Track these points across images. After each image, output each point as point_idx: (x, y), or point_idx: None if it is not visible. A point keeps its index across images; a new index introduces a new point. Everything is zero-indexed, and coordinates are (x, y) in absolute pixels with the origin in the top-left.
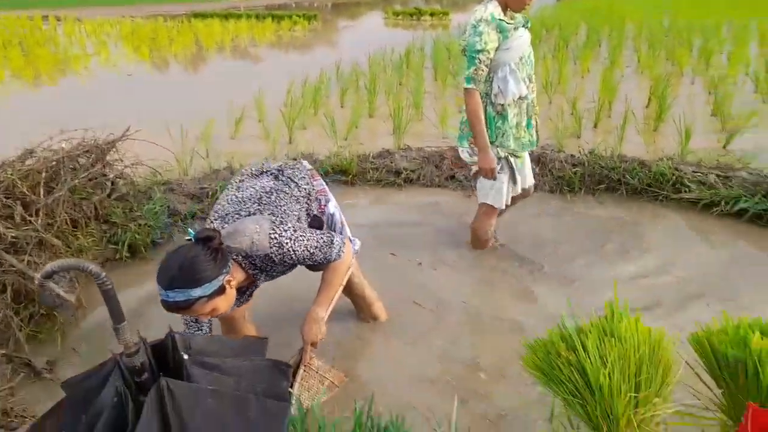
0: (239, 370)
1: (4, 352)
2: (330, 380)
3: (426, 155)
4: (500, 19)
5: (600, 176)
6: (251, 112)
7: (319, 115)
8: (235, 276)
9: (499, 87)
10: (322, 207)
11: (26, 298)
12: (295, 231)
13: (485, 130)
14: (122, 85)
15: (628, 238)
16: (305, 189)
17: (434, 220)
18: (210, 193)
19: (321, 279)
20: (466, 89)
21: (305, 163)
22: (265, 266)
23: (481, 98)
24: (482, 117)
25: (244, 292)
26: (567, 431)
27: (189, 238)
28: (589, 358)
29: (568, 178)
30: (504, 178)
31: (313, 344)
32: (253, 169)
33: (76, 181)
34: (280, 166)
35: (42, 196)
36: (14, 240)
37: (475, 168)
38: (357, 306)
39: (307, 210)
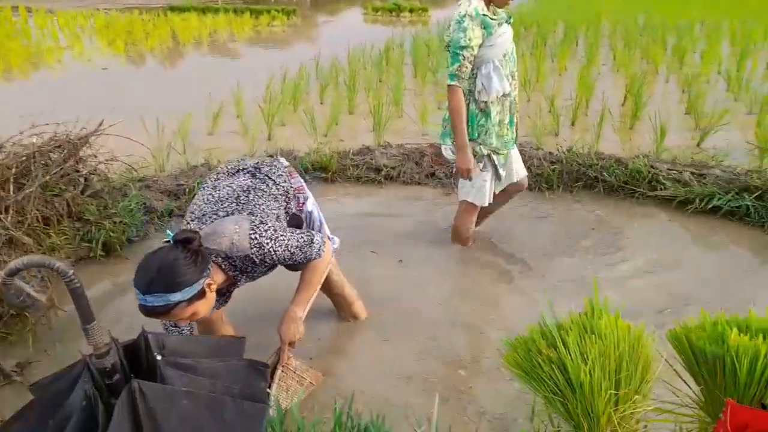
0: (215, 370)
1: None
2: (308, 380)
3: (406, 152)
4: (484, 15)
5: (578, 174)
6: (229, 107)
7: (299, 112)
8: (215, 279)
9: (482, 84)
10: (301, 205)
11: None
12: (275, 231)
13: (465, 129)
14: (96, 79)
15: (607, 236)
16: (283, 187)
17: (415, 217)
18: (187, 190)
19: (300, 278)
20: (449, 86)
21: (282, 160)
22: (245, 267)
23: (464, 95)
24: (464, 115)
25: (224, 294)
26: (548, 430)
27: (167, 239)
28: (570, 355)
29: (546, 175)
30: (487, 176)
31: (291, 344)
32: (229, 166)
33: (48, 177)
34: (256, 163)
35: (12, 193)
36: None
37: None
38: (337, 305)
39: (285, 208)
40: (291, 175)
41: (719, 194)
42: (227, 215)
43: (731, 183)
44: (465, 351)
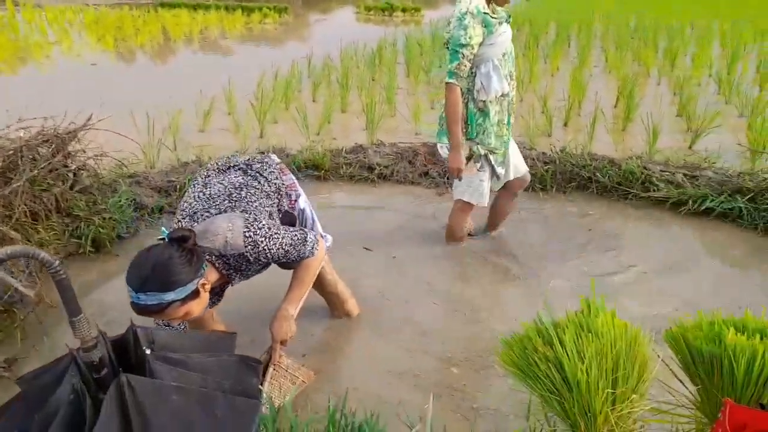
0: (206, 366)
1: None
2: (301, 379)
3: (399, 151)
4: (485, 13)
5: (571, 174)
6: (221, 104)
7: (291, 110)
8: (209, 278)
9: (481, 83)
10: (293, 202)
11: None
12: (269, 229)
13: (460, 128)
14: (85, 74)
15: (600, 237)
16: (275, 184)
17: (408, 215)
18: (178, 187)
19: (292, 276)
20: (447, 84)
21: (274, 156)
22: (239, 266)
23: (462, 94)
24: (459, 114)
25: (217, 293)
26: (544, 429)
27: (162, 237)
28: (567, 354)
29: (540, 176)
30: (484, 175)
31: (283, 342)
32: (219, 163)
33: (36, 171)
34: (247, 160)
35: None
36: None
37: None
38: (330, 303)
39: (278, 206)
40: (282, 172)
41: (712, 196)
42: (219, 213)
43: (724, 185)
44: (457, 349)
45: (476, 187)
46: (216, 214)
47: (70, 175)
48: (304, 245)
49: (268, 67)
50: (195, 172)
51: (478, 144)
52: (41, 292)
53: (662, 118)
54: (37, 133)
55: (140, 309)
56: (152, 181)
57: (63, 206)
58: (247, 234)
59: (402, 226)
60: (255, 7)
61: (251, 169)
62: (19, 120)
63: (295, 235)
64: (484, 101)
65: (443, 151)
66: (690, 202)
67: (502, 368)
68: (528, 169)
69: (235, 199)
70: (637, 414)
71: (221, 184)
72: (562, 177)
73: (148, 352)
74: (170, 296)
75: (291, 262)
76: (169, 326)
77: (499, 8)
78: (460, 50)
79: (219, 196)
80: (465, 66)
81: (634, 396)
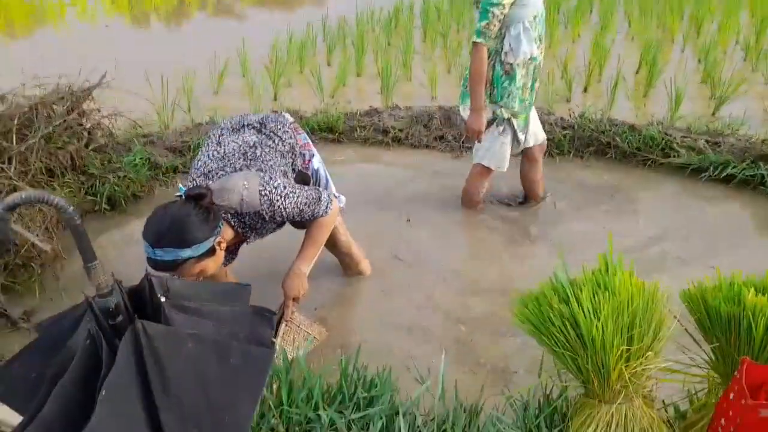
0: (220, 315)
1: None
2: (313, 335)
3: (414, 114)
4: None
5: (589, 140)
6: (235, 67)
7: (305, 73)
8: (225, 236)
9: (510, 45)
10: (307, 162)
11: (0, 248)
12: (284, 188)
13: (483, 90)
14: (100, 36)
15: (618, 202)
16: (289, 143)
17: (423, 179)
18: (192, 147)
19: (305, 234)
20: (474, 43)
21: (287, 115)
22: (254, 224)
23: (489, 56)
24: (484, 76)
25: (232, 252)
26: (556, 385)
27: (179, 194)
28: (583, 311)
29: (557, 140)
30: (506, 139)
31: (295, 299)
32: (233, 121)
33: (51, 128)
34: (261, 118)
35: (15, 144)
36: None
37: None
38: (343, 263)
39: (292, 165)
40: (296, 131)
41: (734, 162)
42: (234, 171)
43: (746, 152)
44: (466, 309)
45: (496, 152)
46: (231, 173)
47: (85, 133)
48: (318, 204)
49: (282, 29)
50: (209, 132)
51: (501, 107)
52: (57, 247)
53: (686, 84)
54: (53, 90)
55: (156, 264)
56: (166, 141)
57: (78, 164)
58: (262, 192)
59: (416, 189)
60: None
61: (265, 128)
62: (34, 78)
63: (310, 194)
64: (511, 64)
65: (465, 113)
66: (711, 168)
67: (515, 324)
68: (545, 135)
69: (250, 157)
70: (651, 372)
71: (235, 142)
72: (580, 142)
73: (163, 300)
74: (186, 253)
75: (305, 221)
76: None
77: None
78: (491, 9)
79: (233, 154)
80: (494, 26)
81: (649, 353)
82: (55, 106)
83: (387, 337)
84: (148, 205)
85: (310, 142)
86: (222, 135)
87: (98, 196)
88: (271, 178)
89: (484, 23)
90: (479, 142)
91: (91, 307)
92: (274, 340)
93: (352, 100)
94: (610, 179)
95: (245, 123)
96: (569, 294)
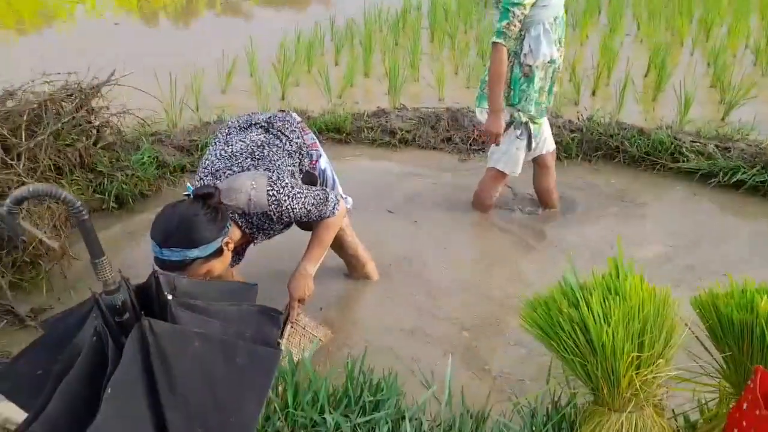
0: (227, 314)
1: None
2: (318, 337)
3: (422, 116)
4: None
5: (597, 143)
6: (243, 66)
7: (313, 73)
8: (232, 237)
9: (530, 46)
10: (314, 162)
11: (8, 244)
12: (292, 188)
13: (502, 93)
14: (109, 34)
15: (626, 207)
16: (296, 143)
17: (431, 181)
18: (200, 146)
19: (312, 235)
20: (494, 43)
21: (295, 115)
22: (262, 225)
23: (509, 57)
24: (503, 77)
25: (239, 252)
26: (564, 391)
27: (187, 193)
28: (593, 316)
29: (565, 144)
30: (522, 144)
31: (301, 301)
32: (240, 120)
33: (60, 125)
34: (268, 117)
35: (24, 140)
36: None
37: None
38: (349, 265)
39: (299, 165)
40: (304, 131)
41: (744, 168)
42: (242, 171)
43: (757, 157)
44: (472, 314)
45: (511, 156)
46: (238, 172)
47: (94, 131)
48: (325, 205)
49: (290, 29)
50: (216, 131)
51: (519, 111)
52: (65, 244)
53: (695, 88)
54: (61, 87)
55: (163, 264)
56: (174, 139)
57: (87, 161)
58: (270, 192)
59: (423, 191)
60: None
61: (273, 128)
62: (43, 74)
63: (317, 194)
64: (531, 66)
65: (482, 116)
66: (720, 174)
67: (522, 329)
68: (554, 147)
69: (257, 157)
70: (662, 379)
71: (243, 141)
72: (588, 146)
73: (170, 298)
74: (194, 253)
75: (311, 222)
76: None
77: None
78: (512, 9)
79: (241, 154)
80: (515, 26)
81: (660, 361)
82: (64, 103)
83: (391, 340)
84: (156, 204)
85: (318, 142)
86: (229, 134)
87: (106, 194)
88: (278, 178)
89: (504, 23)
90: (497, 145)
91: (98, 304)
92: (279, 341)
93: (360, 100)
94: (619, 183)
95: (253, 122)
96: (579, 298)
